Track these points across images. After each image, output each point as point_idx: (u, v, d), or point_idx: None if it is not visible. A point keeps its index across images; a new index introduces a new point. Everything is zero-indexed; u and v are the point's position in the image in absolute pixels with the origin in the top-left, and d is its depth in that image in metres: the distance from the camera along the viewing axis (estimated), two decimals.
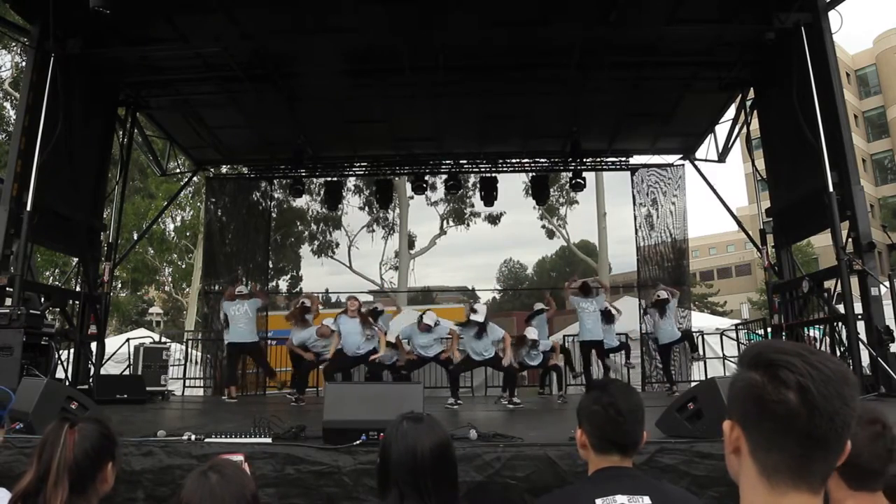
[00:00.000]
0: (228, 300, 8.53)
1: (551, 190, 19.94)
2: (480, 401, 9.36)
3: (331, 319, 8.01)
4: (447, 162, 12.23)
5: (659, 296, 8.89)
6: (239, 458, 1.65)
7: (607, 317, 8.82)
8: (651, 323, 9.73)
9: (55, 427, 1.61)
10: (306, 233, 26.65)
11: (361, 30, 8.20)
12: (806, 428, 0.77)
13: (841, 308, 7.08)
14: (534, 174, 12.31)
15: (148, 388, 8.37)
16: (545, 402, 8.73)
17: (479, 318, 7.45)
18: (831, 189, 7.02)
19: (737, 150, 11.70)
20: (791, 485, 0.79)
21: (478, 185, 13.57)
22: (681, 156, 11.89)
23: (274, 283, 21.71)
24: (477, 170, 12.61)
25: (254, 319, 8.62)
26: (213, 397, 10.01)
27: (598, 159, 12.16)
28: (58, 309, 8.46)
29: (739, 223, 11.43)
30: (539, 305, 9.29)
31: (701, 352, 11.07)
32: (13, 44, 16.82)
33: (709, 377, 8.31)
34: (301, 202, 23.33)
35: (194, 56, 8.78)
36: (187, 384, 11.24)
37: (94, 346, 8.72)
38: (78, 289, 8.64)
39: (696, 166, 11.69)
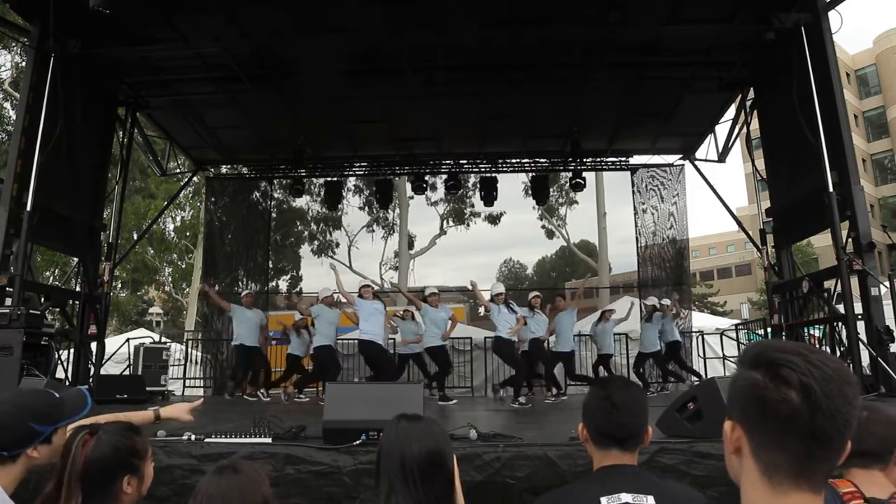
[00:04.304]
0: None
1: (551, 190, 19.98)
2: (480, 401, 9.35)
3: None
4: (447, 162, 12.23)
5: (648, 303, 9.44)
6: None
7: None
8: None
9: (73, 434, 1.58)
10: (306, 233, 26.67)
11: (361, 30, 8.19)
12: (808, 427, 0.77)
13: (841, 308, 7.06)
14: (534, 174, 12.31)
15: (148, 388, 8.37)
16: (543, 403, 8.71)
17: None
18: (831, 189, 7.00)
19: (737, 150, 11.71)
20: (793, 484, 0.79)
21: (478, 185, 13.58)
22: (681, 156, 11.89)
23: (274, 283, 21.70)
24: (477, 170, 12.60)
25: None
26: (212, 397, 10.00)
27: (598, 159, 12.16)
28: (58, 309, 8.45)
29: (739, 223, 11.41)
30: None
31: (701, 353, 11.07)
32: (13, 44, 16.81)
33: (708, 377, 8.33)
34: (301, 202, 23.42)
35: (194, 56, 8.78)
36: (187, 384, 11.24)
37: (94, 346, 8.71)
38: (78, 289, 8.62)
39: (696, 166, 11.69)
